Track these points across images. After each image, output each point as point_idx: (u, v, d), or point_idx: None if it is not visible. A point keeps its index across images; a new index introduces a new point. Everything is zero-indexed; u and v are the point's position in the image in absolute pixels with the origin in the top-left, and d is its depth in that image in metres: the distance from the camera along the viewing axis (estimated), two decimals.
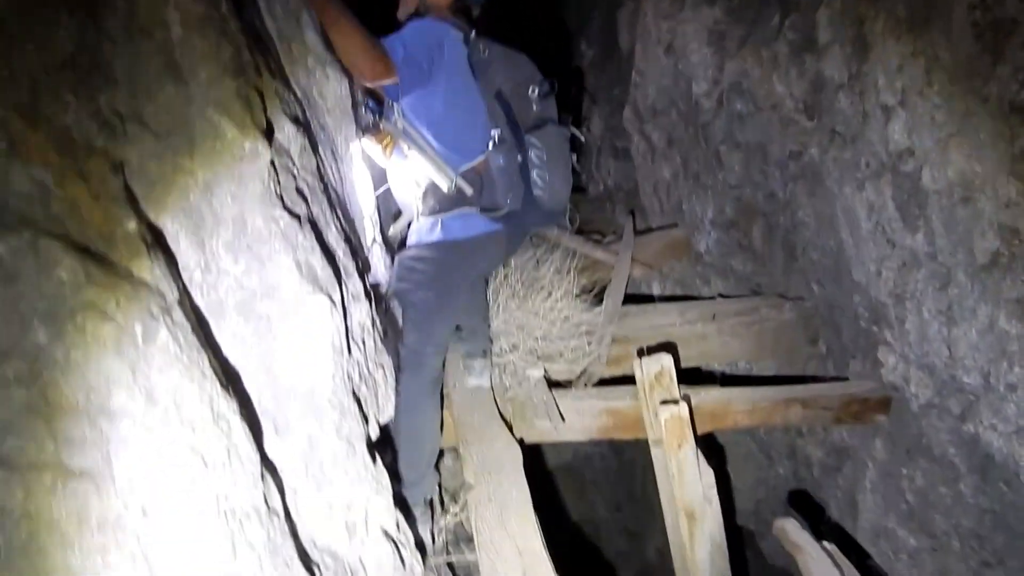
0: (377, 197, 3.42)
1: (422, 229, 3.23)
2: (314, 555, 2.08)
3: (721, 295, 5.26)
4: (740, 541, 5.87)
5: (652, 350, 3.73)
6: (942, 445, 3.45)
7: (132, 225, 1.60)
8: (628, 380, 3.90)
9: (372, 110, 3.10)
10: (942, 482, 3.50)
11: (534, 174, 3.29)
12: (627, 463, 7.62)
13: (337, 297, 2.30)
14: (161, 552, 1.48)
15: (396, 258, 3.29)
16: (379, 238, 3.36)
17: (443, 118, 3.11)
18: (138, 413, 1.48)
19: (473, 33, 3.23)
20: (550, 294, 4.47)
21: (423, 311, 3.27)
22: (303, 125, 2.42)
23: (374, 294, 2.97)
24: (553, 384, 4.08)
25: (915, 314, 3.45)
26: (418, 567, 2.71)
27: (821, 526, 4.53)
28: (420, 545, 2.99)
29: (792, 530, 3.41)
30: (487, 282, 4.21)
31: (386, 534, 2.45)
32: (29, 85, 1.49)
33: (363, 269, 2.89)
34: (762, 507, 5.60)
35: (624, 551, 7.97)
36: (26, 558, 1.31)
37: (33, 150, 1.45)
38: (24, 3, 1.52)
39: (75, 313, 1.43)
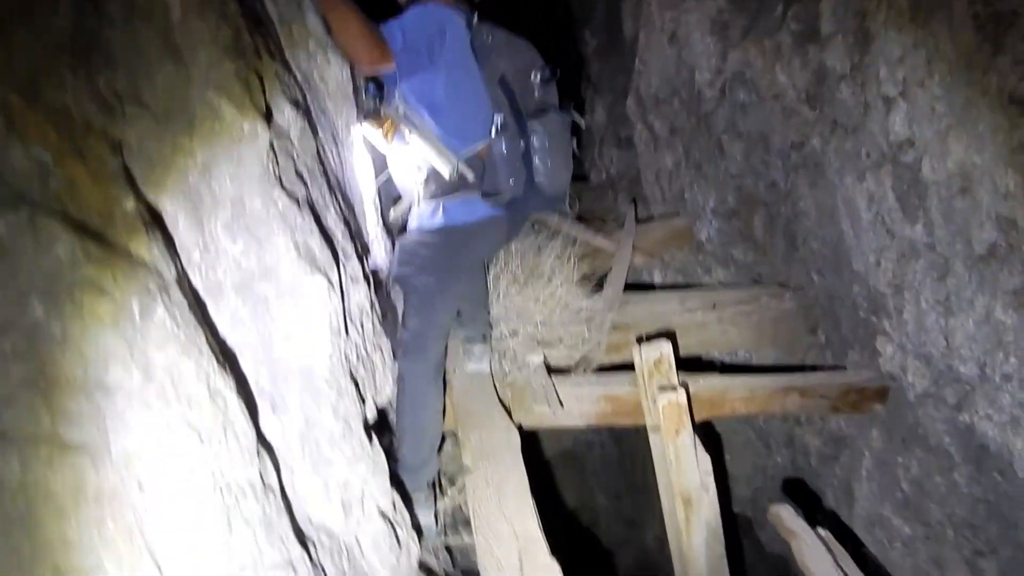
0: (378, 182, 3.43)
1: (423, 214, 3.23)
2: (310, 532, 2.11)
3: (722, 284, 5.27)
4: (736, 528, 5.90)
5: (651, 337, 3.75)
6: (938, 435, 3.47)
7: (130, 204, 1.62)
8: (627, 367, 3.91)
9: (373, 95, 3.10)
10: (937, 471, 3.51)
11: (536, 160, 3.29)
12: (627, 451, 7.64)
13: (335, 278, 2.32)
14: (157, 525, 1.50)
15: (397, 243, 3.30)
16: (380, 222, 3.37)
17: (445, 103, 3.10)
18: (135, 388, 1.50)
19: (476, 18, 3.22)
20: (550, 280, 4.48)
21: (425, 296, 3.27)
22: (303, 108, 2.44)
23: (373, 277, 2.98)
24: (552, 370, 4.10)
25: (913, 304, 3.46)
26: (414, 547, 2.74)
27: (817, 514, 4.55)
28: (417, 526, 3.02)
29: (787, 516, 3.43)
30: (487, 268, 4.22)
31: (382, 514, 2.48)
32: (28, 65, 1.50)
33: (362, 252, 2.91)
34: (759, 495, 5.62)
35: (623, 538, 8.01)
36: (23, 529, 1.33)
37: (32, 129, 1.47)
38: None
39: (73, 289, 1.44)
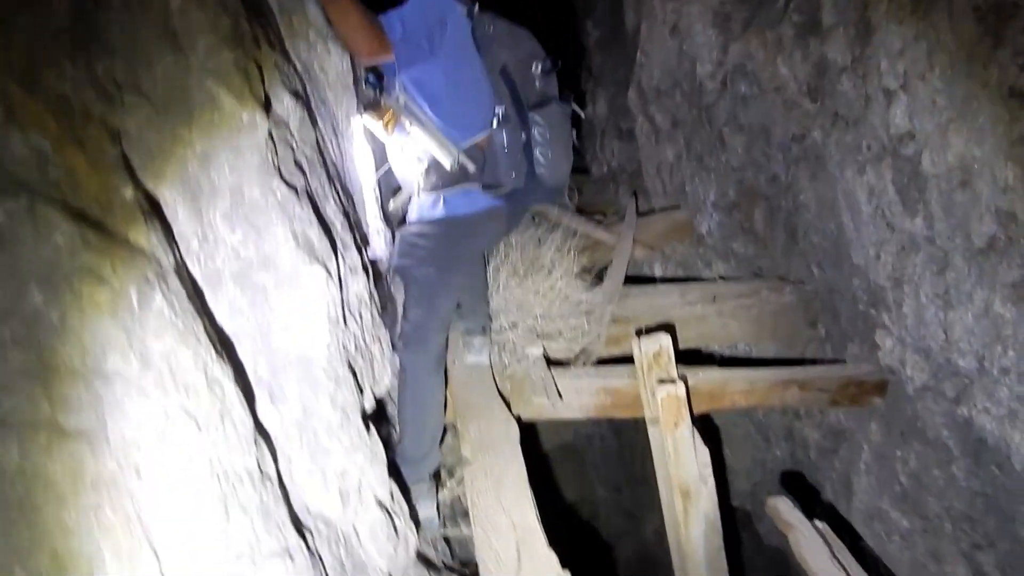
0: (378, 173, 3.43)
1: (423, 205, 3.22)
2: (307, 521, 2.11)
3: (722, 277, 5.28)
4: (735, 521, 5.92)
5: (651, 330, 3.75)
6: (936, 428, 3.47)
7: (129, 193, 1.63)
8: (627, 360, 3.92)
9: (373, 85, 3.09)
10: (935, 465, 3.52)
11: (537, 152, 3.29)
12: (627, 444, 7.65)
13: (333, 268, 2.32)
14: (155, 512, 1.51)
15: (397, 234, 3.29)
16: (380, 214, 3.37)
17: (445, 94, 3.09)
18: (132, 376, 1.50)
19: (477, 7, 3.21)
20: (550, 273, 4.48)
21: (426, 287, 3.27)
22: (303, 98, 2.44)
23: (372, 268, 2.98)
24: (552, 362, 4.11)
25: (913, 298, 3.47)
26: (412, 537, 2.74)
27: (816, 507, 4.56)
28: (417, 518, 3.03)
29: (784, 509, 3.43)
30: (486, 260, 4.22)
31: (380, 503, 2.48)
32: (27, 53, 1.51)
33: (362, 243, 2.91)
34: (759, 488, 5.64)
35: (622, 531, 8.02)
36: (21, 514, 1.33)
37: (31, 117, 1.47)
38: None
39: (71, 277, 1.45)
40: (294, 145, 2.33)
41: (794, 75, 4.05)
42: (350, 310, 2.57)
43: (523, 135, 3.24)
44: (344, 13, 2.81)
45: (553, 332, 4.28)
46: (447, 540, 3.52)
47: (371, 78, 3.14)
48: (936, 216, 3.21)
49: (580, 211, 6.06)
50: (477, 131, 3.17)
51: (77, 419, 1.43)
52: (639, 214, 5.96)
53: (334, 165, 2.81)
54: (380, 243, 3.22)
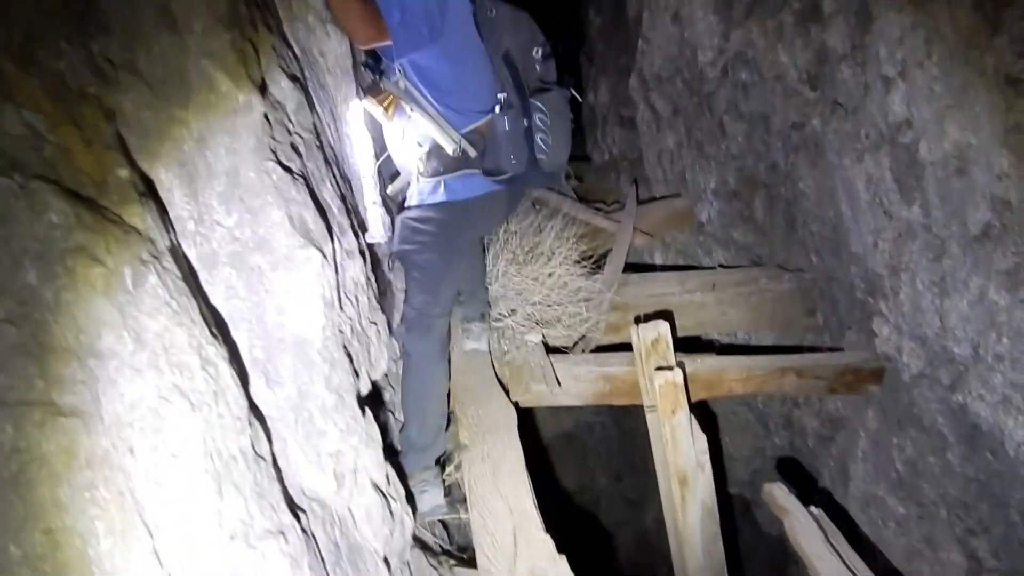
0: (378, 158, 3.43)
1: (424, 190, 3.20)
2: (302, 502, 2.12)
3: (722, 265, 5.28)
4: (732, 508, 5.94)
5: (650, 317, 3.77)
6: (932, 415, 3.48)
7: (124, 172, 1.64)
8: (626, 347, 3.94)
9: (372, 69, 3.09)
10: (931, 451, 3.53)
11: (538, 138, 3.27)
12: (627, 433, 7.67)
13: (329, 251, 2.33)
14: (148, 490, 1.52)
15: (398, 220, 3.28)
16: (379, 199, 3.37)
17: (446, 79, 3.06)
18: (126, 355, 1.51)
19: None
20: (550, 260, 4.49)
21: (429, 272, 3.27)
22: (300, 82, 2.44)
23: (371, 253, 2.99)
24: (551, 349, 4.12)
25: (909, 285, 3.47)
26: (408, 521, 2.76)
27: (814, 495, 4.58)
28: (411, 500, 3.04)
29: (780, 495, 3.45)
30: (485, 248, 4.22)
31: (375, 486, 2.50)
32: (22, 31, 1.51)
33: (359, 227, 2.91)
34: (758, 476, 5.65)
35: (623, 519, 8.04)
36: (15, 491, 1.34)
37: (26, 96, 1.48)
38: None
39: (65, 256, 1.46)
40: (291, 128, 2.34)
41: (794, 63, 4.04)
42: (346, 294, 2.58)
43: (525, 121, 3.23)
44: None
45: (552, 319, 4.29)
46: (444, 524, 3.53)
47: (370, 62, 3.13)
48: (933, 204, 3.21)
49: (581, 199, 6.07)
50: (478, 116, 3.15)
51: (71, 397, 1.44)
52: (639, 202, 5.96)
53: (332, 149, 2.81)
54: (379, 228, 3.23)
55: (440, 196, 3.17)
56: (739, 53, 4.55)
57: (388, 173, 3.50)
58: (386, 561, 2.52)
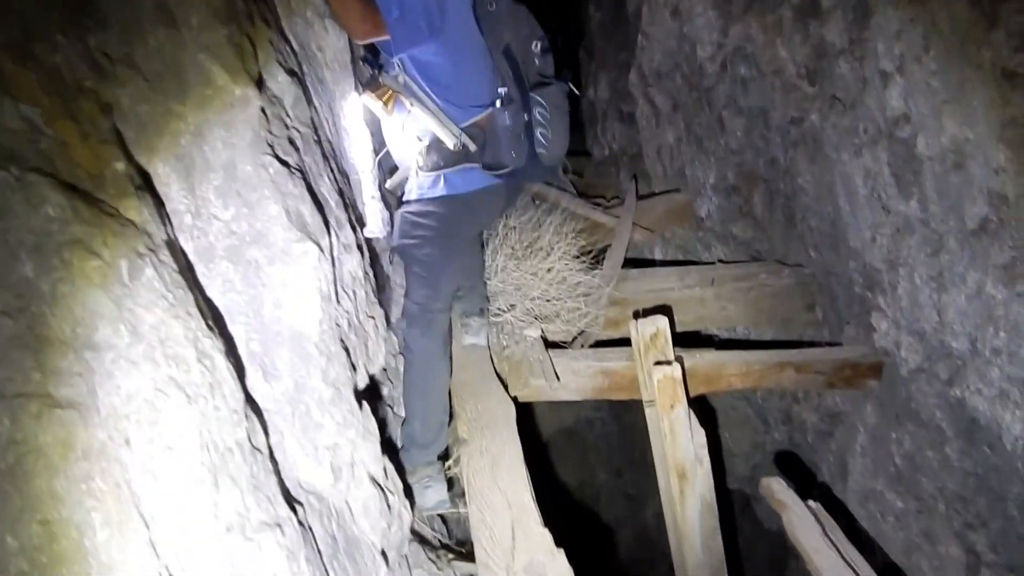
0: (377, 152, 3.42)
1: (423, 184, 3.20)
2: (299, 495, 2.14)
3: (721, 260, 5.28)
4: (732, 503, 5.94)
5: (649, 313, 3.77)
6: (930, 409, 3.49)
7: (121, 166, 1.65)
8: (625, 342, 3.93)
9: (371, 64, 3.08)
10: (929, 446, 3.54)
11: (538, 133, 3.26)
12: (627, 428, 7.68)
13: (326, 245, 2.33)
14: (144, 481, 1.53)
15: (397, 214, 3.28)
16: (377, 194, 3.37)
17: (446, 74, 3.06)
18: (123, 347, 1.52)
19: None
20: (549, 255, 4.49)
21: (429, 267, 3.27)
22: (298, 76, 2.45)
23: (369, 248, 2.99)
24: (550, 344, 4.12)
25: (907, 280, 3.48)
26: (406, 515, 2.77)
27: (813, 490, 4.58)
28: (409, 494, 3.05)
29: (778, 489, 3.46)
30: (483, 243, 4.23)
31: (373, 479, 2.51)
32: (20, 25, 1.52)
33: (357, 222, 2.92)
34: (758, 472, 5.64)
35: (623, 515, 8.05)
36: (12, 483, 1.35)
37: (23, 89, 1.49)
38: None
39: (62, 248, 1.47)
40: (288, 122, 2.34)
41: (793, 58, 4.04)
42: (343, 287, 2.58)
43: (525, 116, 3.23)
44: None
45: (551, 314, 4.29)
46: (443, 519, 3.54)
47: (369, 57, 3.13)
48: (930, 198, 3.21)
49: (581, 194, 6.07)
50: (478, 111, 3.15)
51: (68, 389, 1.45)
52: (639, 197, 5.96)
53: (330, 144, 2.82)
54: (378, 223, 3.23)
55: (440, 190, 3.16)
56: (738, 48, 4.55)
57: (387, 167, 3.50)
58: (384, 554, 2.53)
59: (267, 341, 2.15)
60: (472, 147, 3.10)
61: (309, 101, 2.58)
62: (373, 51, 3.14)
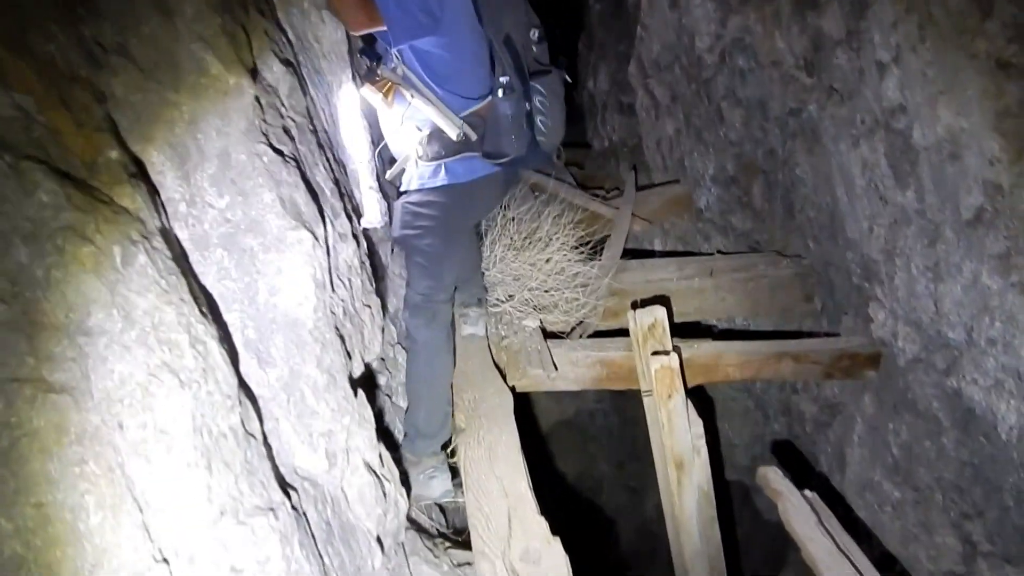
0: (374, 143, 3.43)
1: (424, 174, 3.18)
2: (294, 481, 2.15)
3: (720, 251, 5.29)
4: (730, 494, 5.95)
5: (647, 303, 3.78)
6: (927, 399, 3.50)
7: (114, 154, 1.66)
8: (623, 333, 3.95)
9: (369, 56, 3.08)
10: (926, 436, 3.55)
11: (538, 120, 3.26)
12: (628, 420, 7.67)
13: (321, 234, 2.34)
14: (137, 465, 1.55)
15: (398, 205, 3.27)
16: (375, 184, 3.37)
17: (445, 64, 3.04)
18: (116, 332, 1.54)
19: None
20: (547, 246, 4.50)
21: (431, 257, 3.26)
22: (294, 66, 2.46)
23: (366, 237, 3.00)
24: (548, 334, 4.14)
25: (904, 270, 3.49)
26: (403, 502, 2.78)
27: (812, 480, 4.59)
28: (406, 482, 3.06)
29: (774, 478, 3.47)
30: (480, 234, 4.23)
31: (368, 467, 2.52)
32: (13, 14, 1.53)
33: (353, 211, 2.93)
34: (757, 463, 5.64)
35: (624, 506, 8.06)
36: (6, 466, 1.37)
37: (16, 77, 1.50)
38: None
39: (55, 235, 1.48)
40: (283, 112, 2.35)
41: (791, 49, 4.05)
42: (339, 276, 2.59)
43: (526, 105, 3.23)
44: None
45: (549, 304, 4.31)
46: (441, 508, 3.56)
47: (367, 49, 3.13)
48: (927, 189, 3.22)
49: (580, 185, 6.08)
50: (477, 100, 3.15)
51: (61, 374, 1.46)
52: (638, 188, 5.97)
53: (326, 134, 2.82)
54: (375, 213, 3.23)
55: (441, 179, 3.15)
56: (736, 39, 4.55)
57: (386, 158, 3.50)
58: (379, 541, 2.54)
59: (262, 328, 2.16)
60: (473, 136, 3.10)
61: (305, 91, 2.59)
62: (371, 43, 3.13)
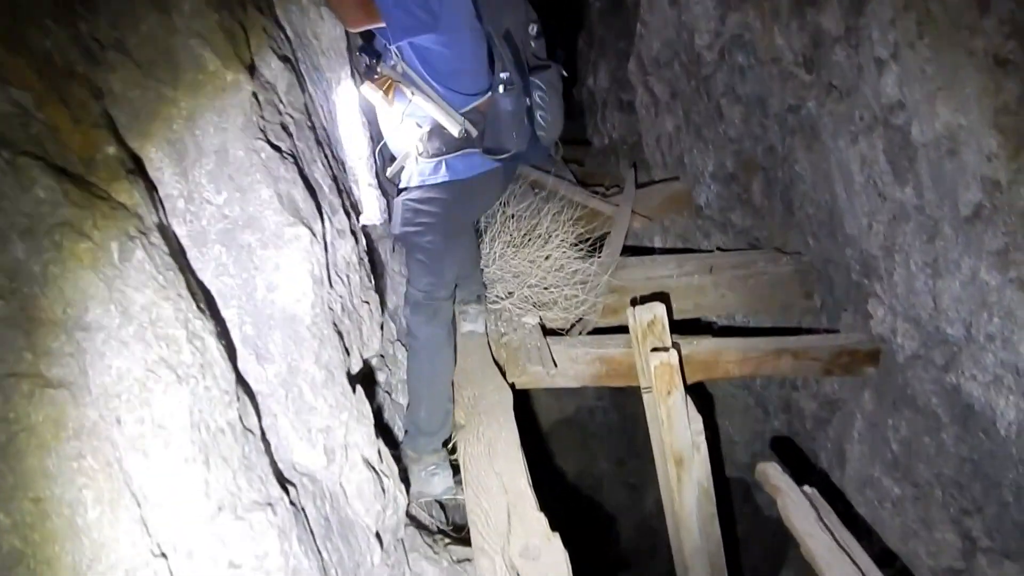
0: (374, 140, 3.42)
1: (424, 170, 3.17)
2: (293, 477, 2.15)
3: (720, 248, 5.29)
4: (730, 490, 5.95)
5: (647, 300, 3.78)
6: (926, 396, 3.50)
7: (112, 150, 1.66)
8: (623, 330, 3.94)
9: (368, 53, 3.08)
10: (925, 432, 3.55)
11: (538, 115, 3.26)
12: (629, 417, 7.67)
13: (318, 230, 2.34)
14: (135, 460, 1.55)
15: (398, 202, 3.26)
16: (374, 181, 3.37)
17: (445, 61, 3.04)
18: (113, 327, 1.54)
19: None
20: (547, 243, 4.50)
21: (432, 254, 3.26)
22: (292, 62, 2.46)
23: (366, 234, 3.00)
24: (547, 331, 4.14)
25: (903, 267, 3.49)
26: (402, 498, 2.78)
27: (812, 477, 4.59)
28: (405, 479, 3.07)
29: (773, 473, 3.48)
30: (479, 230, 4.23)
31: (367, 462, 2.52)
32: (10, 10, 1.54)
33: (352, 207, 2.92)
34: (758, 459, 5.64)
35: (624, 503, 8.06)
36: (4, 461, 1.37)
37: (13, 74, 1.51)
38: None
39: (53, 230, 1.48)
40: (281, 108, 2.35)
41: (790, 45, 4.05)
42: (337, 272, 2.59)
43: (526, 100, 3.22)
44: None
45: (549, 301, 4.31)
46: (441, 504, 3.56)
47: (366, 46, 3.12)
48: (925, 185, 3.22)
49: (580, 182, 6.08)
50: (477, 96, 3.15)
51: (59, 369, 1.47)
52: (638, 185, 5.97)
53: (324, 130, 2.82)
54: (375, 210, 3.23)
55: (442, 176, 3.14)
56: (736, 36, 4.55)
57: (386, 155, 3.49)
58: (378, 537, 2.55)
59: (260, 324, 2.16)
60: (474, 132, 3.10)
61: (303, 88, 2.59)
62: (370, 40, 3.13)
